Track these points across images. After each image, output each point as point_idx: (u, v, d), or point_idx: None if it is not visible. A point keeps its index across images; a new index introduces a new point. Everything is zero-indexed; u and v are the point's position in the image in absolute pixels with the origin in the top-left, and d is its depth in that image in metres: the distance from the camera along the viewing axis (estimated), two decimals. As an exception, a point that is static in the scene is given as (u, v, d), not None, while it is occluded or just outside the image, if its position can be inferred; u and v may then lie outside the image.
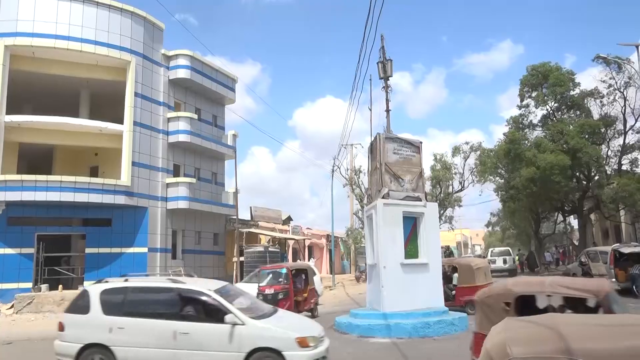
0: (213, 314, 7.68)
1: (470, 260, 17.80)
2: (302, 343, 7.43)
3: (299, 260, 35.50)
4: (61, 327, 8.07)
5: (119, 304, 8.03)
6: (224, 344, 7.42)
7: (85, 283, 21.64)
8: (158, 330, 7.66)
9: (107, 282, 8.57)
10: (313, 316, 15.16)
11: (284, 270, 15.51)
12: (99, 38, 22.49)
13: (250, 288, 16.29)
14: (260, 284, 15.09)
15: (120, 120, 23.05)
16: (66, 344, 7.90)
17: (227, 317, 7.47)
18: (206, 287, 8.16)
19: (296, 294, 15.08)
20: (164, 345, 7.57)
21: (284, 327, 7.95)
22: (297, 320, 9.05)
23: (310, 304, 15.82)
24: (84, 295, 8.26)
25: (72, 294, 20.34)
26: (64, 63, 22.39)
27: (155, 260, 23.32)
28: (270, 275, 15.82)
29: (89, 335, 7.80)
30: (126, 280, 8.49)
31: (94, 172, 24.83)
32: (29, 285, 20.78)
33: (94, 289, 8.27)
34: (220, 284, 8.77)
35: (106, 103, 24.77)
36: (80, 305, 8.16)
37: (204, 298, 7.90)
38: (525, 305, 5.42)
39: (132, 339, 7.70)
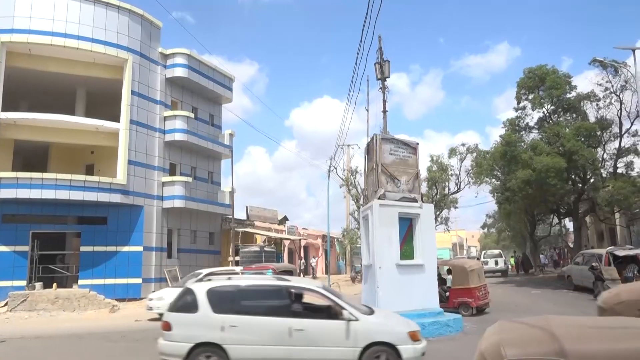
0: (326, 310, 7.82)
1: (464, 261, 17.81)
2: (414, 337, 7.62)
3: (300, 261, 35.50)
4: (168, 327, 7.80)
5: (228, 302, 7.93)
6: (340, 339, 7.51)
7: (80, 282, 21.64)
8: (272, 327, 7.63)
9: (210, 280, 8.48)
10: None
11: (270, 272, 14.46)
12: (96, 36, 22.43)
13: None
14: None
15: (116, 119, 22.98)
16: (175, 344, 7.69)
17: (344, 313, 7.60)
18: (313, 285, 8.31)
19: None
20: (279, 342, 7.54)
21: (394, 322, 8.27)
22: (397, 316, 9.23)
23: None
24: (190, 294, 8.05)
25: (66, 292, 20.37)
26: (61, 60, 22.32)
27: (150, 259, 23.26)
28: None
29: (200, 334, 7.64)
30: (229, 278, 8.50)
31: (89, 170, 24.75)
32: (23, 283, 20.70)
33: (199, 288, 8.06)
34: (319, 282, 8.91)
35: (103, 101, 24.70)
36: (187, 305, 7.94)
37: (315, 295, 8.05)
38: None
39: (246, 336, 7.61)
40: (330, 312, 7.74)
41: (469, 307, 14.85)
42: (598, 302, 5.57)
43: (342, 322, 7.54)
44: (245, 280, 8.72)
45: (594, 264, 18.12)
